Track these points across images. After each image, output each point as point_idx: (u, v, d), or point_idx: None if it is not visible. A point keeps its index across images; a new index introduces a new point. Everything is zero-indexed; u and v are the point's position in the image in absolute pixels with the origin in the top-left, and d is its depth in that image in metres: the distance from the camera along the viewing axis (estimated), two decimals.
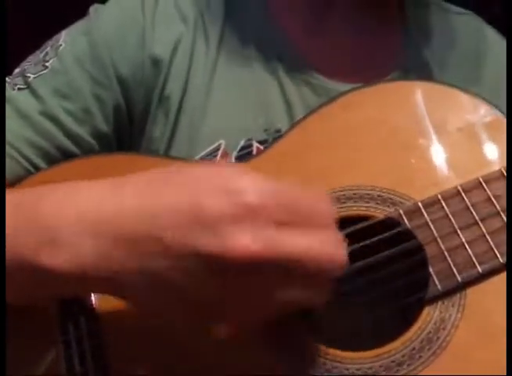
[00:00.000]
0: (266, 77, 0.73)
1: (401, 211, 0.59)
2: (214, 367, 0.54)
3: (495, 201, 0.58)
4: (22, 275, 0.50)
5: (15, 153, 0.67)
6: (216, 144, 0.70)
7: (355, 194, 0.61)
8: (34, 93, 0.69)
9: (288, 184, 0.49)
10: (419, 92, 0.67)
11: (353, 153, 0.64)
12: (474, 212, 0.58)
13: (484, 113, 0.64)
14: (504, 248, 0.56)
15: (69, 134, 0.69)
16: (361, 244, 0.58)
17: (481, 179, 0.59)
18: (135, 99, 0.71)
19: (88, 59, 0.70)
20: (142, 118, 0.72)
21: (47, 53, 0.72)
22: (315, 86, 0.73)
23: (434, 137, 0.64)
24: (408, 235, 0.59)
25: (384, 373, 0.54)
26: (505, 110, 0.65)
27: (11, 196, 0.53)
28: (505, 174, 0.59)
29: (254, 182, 0.47)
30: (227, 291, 0.46)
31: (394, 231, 0.59)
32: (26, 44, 0.76)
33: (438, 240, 0.58)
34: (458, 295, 0.56)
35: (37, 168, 0.68)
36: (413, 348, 0.55)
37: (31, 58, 0.73)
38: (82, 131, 0.70)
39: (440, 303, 0.56)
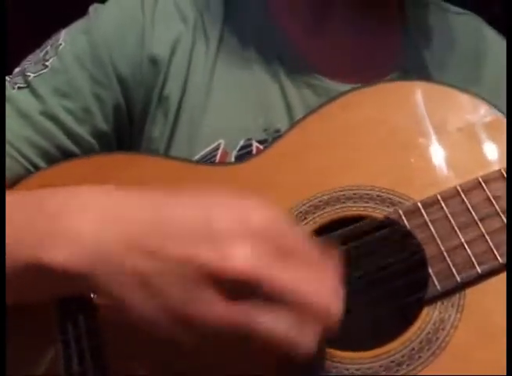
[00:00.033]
0: (266, 77, 0.73)
1: (400, 212, 0.59)
2: (213, 366, 0.54)
3: (494, 202, 0.58)
4: (22, 274, 0.50)
5: (15, 153, 0.67)
6: (215, 144, 0.70)
7: (354, 194, 0.61)
8: (34, 92, 0.69)
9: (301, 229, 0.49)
10: (418, 92, 0.67)
11: (352, 153, 0.64)
12: (473, 212, 0.58)
13: (483, 114, 0.64)
14: (503, 249, 0.56)
15: (69, 133, 0.69)
16: (360, 243, 0.58)
17: (480, 179, 0.59)
18: (134, 98, 0.71)
19: (88, 58, 0.70)
20: (141, 118, 0.72)
21: (47, 52, 0.72)
22: (315, 86, 0.73)
23: (433, 137, 0.64)
24: (407, 235, 0.58)
25: (383, 373, 0.54)
26: (505, 110, 0.65)
27: (11, 197, 0.54)
28: (504, 174, 0.59)
29: (268, 211, 0.48)
30: (212, 304, 0.45)
31: (394, 231, 0.59)
32: (26, 44, 0.76)
33: (438, 240, 0.57)
34: (457, 296, 0.56)
35: (36, 168, 0.68)
36: (413, 349, 0.55)
37: (31, 57, 0.74)
38: (82, 131, 0.70)
39: (439, 303, 0.56)
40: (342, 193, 0.62)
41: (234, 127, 0.71)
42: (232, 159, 0.69)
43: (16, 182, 0.65)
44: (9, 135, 0.67)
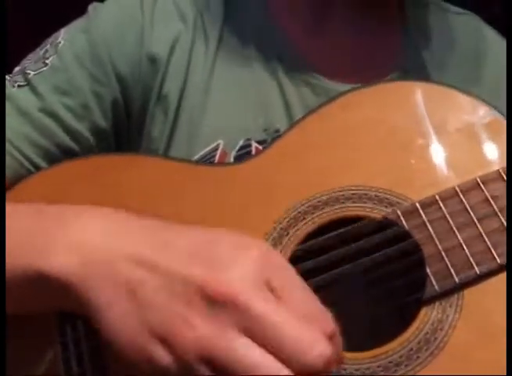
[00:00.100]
0: (266, 77, 0.73)
1: (398, 212, 0.59)
2: None
3: (492, 202, 0.58)
4: (23, 283, 0.50)
5: (15, 152, 0.68)
6: (215, 144, 0.70)
7: (353, 194, 0.61)
8: (33, 90, 0.70)
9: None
10: (418, 93, 0.67)
11: (352, 153, 0.64)
12: (471, 213, 0.58)
13: (483, 114, 0.64)
14: (501, 249, 0.56)
15: (68, 130, 0.69)
16: (358, 244, 0.58)
17: (478, 180, 0.59)
18: (133, 96, 0.71)
19: (87, 56, 0.71)
20: (140, 116, 0.72)
21: (47, 50, 0.72)
22: (314, 86, 0.73)
23: (432, 137, 0.64)
24: (405, 235, 0.58)
25: (382, 373, 0.54)
26: (505, 110, 0.65)
27: (12, 207, 0.54)
28: (503, 175, 0.59)
29: (268, 247, 0.48)
30: (193, 323, 0.44)
31: (392, 231, 0.59)
32: (26, 43, 0.76)
33: (436, 240, 0.57)
34: (455, 296, 0.56)
35: (36, 167, 0.68)
36: (411, 349, 0.55)
37: (31, 55, 0.74)
38: (81, 127, 0.70)
39: (437, 304, 0.56)
40: (341, 193, 0.62)
41: (233, 127, 0.71)
42: (231, 159, 0.69)
43: (16, 182, 0.65)
44: (8, 134, 0.67)
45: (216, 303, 0.44)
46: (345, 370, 0.55)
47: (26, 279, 0.50)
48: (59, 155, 0.69)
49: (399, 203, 0.60)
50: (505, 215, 0.58)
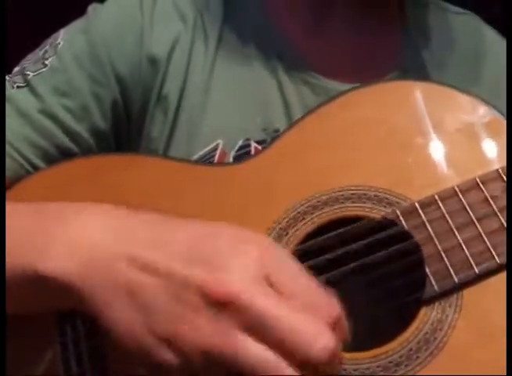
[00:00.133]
0: (265, 76, 0.73)
1: (398, 212, 0.59)
2: None
3: (492, 202, 0.58)
4: (23, 284, 0.50)
5: (14, 153, 0.68)
6: (214, 144, 0.70)
7: (353, 194, 0.61)
8: (33, 91, 0.70)
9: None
10: (417, 92, 0.67)
11: (351, 153, 0.64)
12: (470, 212, 0.58)
13: (482, 114, 0.64)
14: (501, 249, 0.56)
15: (68, 131, 0.69)
16: (358, 244, 0.58)
17: (478, 180, 0.59)
18: (133, 97, 0.71)
19: (87, 57, 0.71)
20: (140, 116, 0.72)
21: (46, 51, 0.72)
22: (313, 86, 0.73)
23: (432, 137, 0.64)
24: (405, 235, 0.58)
25: (381, 373, 0.54)
26: (505, 110, 0.65)
27: (12, 206, 0.54)
28: (502, 174, 0.59)
29: (267, 242, 0.48)
30: (197, 324, 0.45)
31: (391, 231, 0.59)
32: (26, 44, 0.76)
33: (435, 240, 0.57)
34: (455, 296, 0.56)
35: (36, 168, 0.68)
36: (410, 349, 0.55)
37: (31, 56, 0.74)
38: (81, 129, 0.70)
39: (437, 304, 0.56)
40: (340, 193, 0.61)
41: (233, 127, 0.71)
42: (231, 159, 0.69)
43: (16, 182, 0.65)
44: (8, 135, 0.67)
45: (217, 303, 0.44)
46: (345, 370, 0.55)
47: (26, 278, 0.50)
48: (58, 156, 0.69)
49: (399, 203, 0.60)
50: (504, 214, 0.58)
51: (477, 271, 0.56)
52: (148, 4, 0.74)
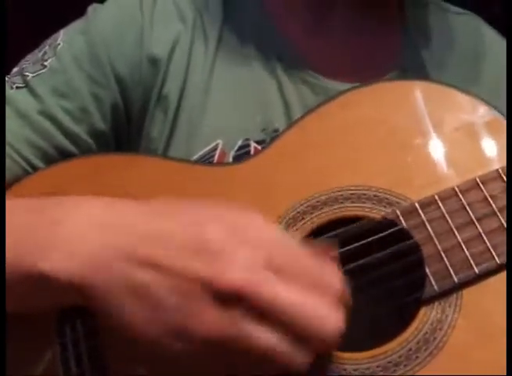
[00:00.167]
0: (265, 76, 0.73)
1: (398, 212, 0.59)
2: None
3: (492, 202, 0.58)
4: (23, 284, 0.50)
5: (14, 154, 0.67)
6: (214, 144, 0.70)
7: (352, 194, 0.61)
8: (32, 92, 0.70)
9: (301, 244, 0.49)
10: (417, 92, 0.67)
11: (351, 153, 0.64)
12: (470, 213, 0.58)
13: (482, 114, 0.64)
14: (501, 249, 0.56)
15: (67, 133, 0.69)
16: (357, 244, 0.58)
17: (478, 180, 0.59)
18: (132, 97, 0.71)
19: (86, 58, 0.71)
20: (140, 117, 0.72)
21: (45, 52, 0.72)
22: (313, 86, 0.73)
23: (432, 137, 0.64)
24: (404, 235, 0.58)
25: (381, 373, 0.54)
26: (505, 110, 0.65)
27: (12, 203, 0.54)
28: (502, 174, 0.59)
29: (265, 223, 0.49)
30: (207, 316, 0.45)
31: (391, 231, 0.59)
32: (26, 44, 0.76)
33: (435, 240, 0.57)
34: (455, 296, 0.56)
35: (36, 169, 0.68)
36: (410, 349, 0.55)
37: (30, 57, 0.74)
38: (80, 130, 0.70)
39: (437, 304, 0.56)
40: (340, 193, 0.61)
41: (232, 127, 0.71)
42: (230, 159, 0.69)
43: (15, 183, 0.65)
44: (7, 136, 0.67)
45: (225, 297, 0.45)
46: (345, 370, 0.54)
47: (27, 277, 0.50)
48: (58, 157, 0.69)
49: (398, 203, 0.60)
50: (504, 214, 0.57)
51: (477, 271, 0.56)
52: (148, 4, 0.74)
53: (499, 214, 0.58)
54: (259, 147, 0.70)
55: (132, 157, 0.70)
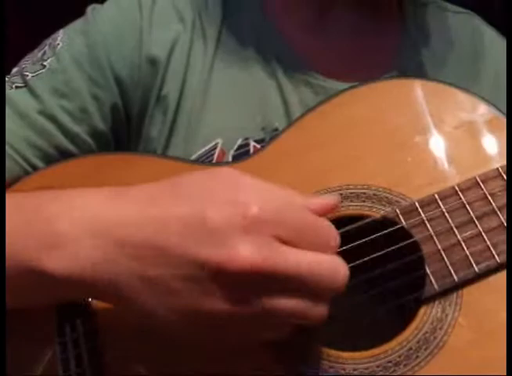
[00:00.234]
0: (264, 76, 0.73)
1: (397, 211, 0.59)
2: (213, 366, 0.54)
3: (492, 200, 0.58)
4: (23, 279, 0.50)
5: (15, 155, 0.67)
6: (213, 143, 0.70)
7: (352, 193, 0.61)
8: (32, 92, 0.70)
9: (295, 200, 0.50)
10: (417, 90, 0.67)
11: (351, 152, 0.64)
12: (470, 211, 0.58)
13: (482, 112, 0.64)
14: (501, 247, 0.56)
15: (67, 133, 0.69)
16: (357, 243, 0.58)
17: (477, 178, 0.59)
18: (132, 98, 0.71)
19: (86, 59, 0.70)
20: (139, 117, 0.72)
21: (45, 52, 0.72)
22: (313, 85, 0.73)
23: (431, 135, 0.64)
24: (404, 234, 0.58)
25: (381, 373, 0.54)
26: (504, 109, 0.65)
27: (11, 199, 0.54)
28: (502, 173, 0.59)
29: (260, 195, 0.49)
30: (225, 300, 0.46)
31: (391, 230, 0.58)
32: (25, 44, 0.76)
33: (435, 239, 0.57)
34: (455, 295, 0.56)
35: (36, 169, 0.68)
36: (410, 349, 0.54)
37: (29, 57, 0.74)
38: (80, 130, 0.70)
39: (437, 302, 0.56)
40: (340, 192, 0.61)
41: (232, 126, 0.71)
42: (230, 158, 0.69)
43: (14, 183, 0.65)
44: (7, 136, 0.67)
45: (239, 279, 0.46)
46: (344, 369, 0.54)
47: (28, 271, 0.50)
48: (58, 156, 0.69)
49: (398, 202, 0.60)
50: (504, 213, 0.57)
51: (477, 270, 0.56)
52: (147, 5, 0.74)
53: (499, 212, 0.58)
54: (258, 146, 0.70)
55: (131, 156, 0.70)
